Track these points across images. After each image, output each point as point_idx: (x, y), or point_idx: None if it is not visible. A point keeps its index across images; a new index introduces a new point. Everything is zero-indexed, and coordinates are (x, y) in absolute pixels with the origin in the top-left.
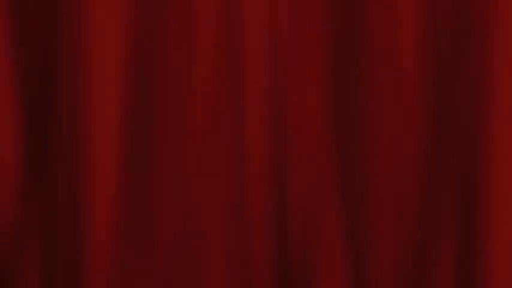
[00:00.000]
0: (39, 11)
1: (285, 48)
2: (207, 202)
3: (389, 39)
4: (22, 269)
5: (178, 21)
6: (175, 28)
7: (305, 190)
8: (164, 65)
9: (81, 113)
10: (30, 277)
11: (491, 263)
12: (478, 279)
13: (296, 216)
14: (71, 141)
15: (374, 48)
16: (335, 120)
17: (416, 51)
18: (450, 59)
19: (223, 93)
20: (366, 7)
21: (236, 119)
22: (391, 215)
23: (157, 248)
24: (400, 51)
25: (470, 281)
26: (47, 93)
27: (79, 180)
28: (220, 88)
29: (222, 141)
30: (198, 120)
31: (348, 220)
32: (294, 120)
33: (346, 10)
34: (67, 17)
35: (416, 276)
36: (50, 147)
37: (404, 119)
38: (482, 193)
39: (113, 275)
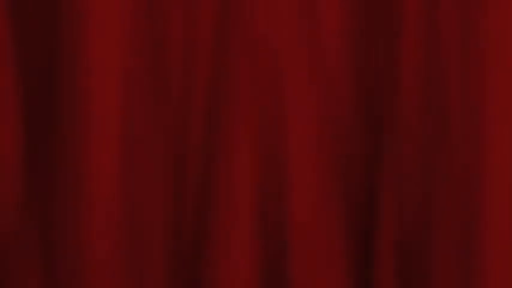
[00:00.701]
0: (39, 11)
1: (285, 48)
2: (207, 201)
3: (390, 40)
4: (22, 269)
5: (178, 21)
6: (176, 28)
7: (305, 190)
8: (164, 64)
9: (81, 113)
10: (30, 277)
11: (491, 264)
12: (478, 279)
13: (295, 216)
14: (71, 141)
15: (374, 47)
16: (332, 120)
17: (415, 54)
18: (448, 62)
19: (223, 94)
20: (370, 9)
21: (236, 119)
22: (391, 215)
23: (157, 248)
24: (400, 53)
25: (470, 281)
26: (47, 93)
27: (79, 180)
28: (220, 88)
29: (222, 141)
30: (198, 120)
31: (348, 220)
32: (294, 120)
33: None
34: (67, 17)
35: (416, 277)
36: (50, 147)
37: (403, 118)
38: (483, 194)
39: (113, 274)
